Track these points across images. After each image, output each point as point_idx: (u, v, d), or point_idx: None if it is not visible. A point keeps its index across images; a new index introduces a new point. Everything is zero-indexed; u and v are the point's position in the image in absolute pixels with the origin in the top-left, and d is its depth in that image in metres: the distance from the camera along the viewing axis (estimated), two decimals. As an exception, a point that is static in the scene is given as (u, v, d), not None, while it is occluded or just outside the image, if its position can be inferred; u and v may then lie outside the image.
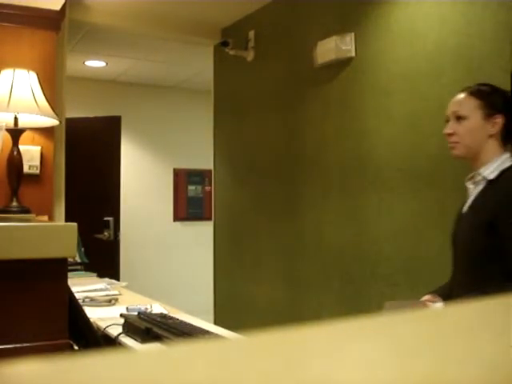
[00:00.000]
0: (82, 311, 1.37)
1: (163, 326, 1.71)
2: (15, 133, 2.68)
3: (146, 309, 2.14)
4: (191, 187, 6.30)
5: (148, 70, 5.53)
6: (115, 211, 5.16)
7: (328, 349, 0.28)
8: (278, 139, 3.68)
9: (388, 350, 0.28)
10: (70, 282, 1.15)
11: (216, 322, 3.93)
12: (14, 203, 2.66)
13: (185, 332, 1.65)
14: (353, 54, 3.03)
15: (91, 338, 1.35)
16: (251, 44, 3.93)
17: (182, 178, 6.24)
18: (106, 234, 5.07)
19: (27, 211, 2.67)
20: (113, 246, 5.12)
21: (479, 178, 1.76)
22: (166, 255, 6.04)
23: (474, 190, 1.79)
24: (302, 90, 3.46)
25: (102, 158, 5.19)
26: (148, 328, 1.68)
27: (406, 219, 2.70)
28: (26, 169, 2.78)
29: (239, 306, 4.08)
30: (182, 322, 1.82)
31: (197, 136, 6.03)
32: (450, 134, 1.81)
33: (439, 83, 2.55)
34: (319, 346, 0.29)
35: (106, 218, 5.10)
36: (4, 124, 2.00)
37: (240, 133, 4.12)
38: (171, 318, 1.87)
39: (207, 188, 6.17)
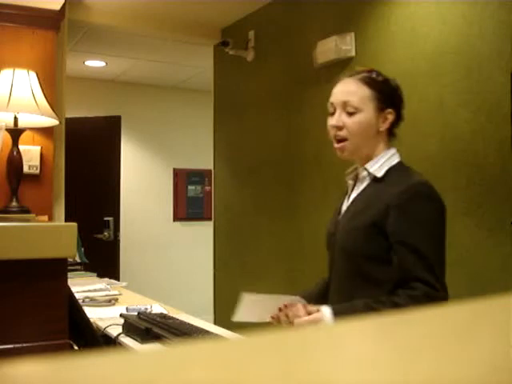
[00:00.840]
0: (82, 311, 1.37)
1: (163, 326, 1.71)
2: (15, 133, 2.68)
3: (146, 309, 2.14)
4: (191, 187, 6.30)
5: (148, 70, 5.53)
6: (115, 211, 5.17)
7: (328, 349, 0.28)
8: (277, 139, 3.68)
9: (388, 350, 0.28)
10: (69, 282, 1.15)
11: (216, 322, 3.93)
12: (14, 203, 2.66)
13: (185, 332, 1.65)
14: (353, 54, 3.03)
15: (91, 338, 1.35)
16: (251, 44, 3.93)
17: (182, 178, 6.24)
18: (105, 234, 5.07)
19: (27, 211, 2.67)
20: (113, 246, 5.13)
21: (364, 173, 1.56)
22: (165, 255, 6.03)
23: (355, 187, 1.60)
24: (301, 90, 3.46)
25: (102, 158, 5.19)
26: (148, 328, 1.68)
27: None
28: (25, 169, 2.78)
29: (239, 306, 4.07)
30: (181, 322, 1.82)
31: (197, 136, 6.03)
32: (339, 128, 1.54)
33: (439, 83, 2.54)
34: (319, 345, 0.29)
35: (105, 218, 5.11)
36: (4, 124, 2.00)
37: (240, 133, 4.12)
38: (171, 318, 1.87)
39: (207, 188, 6.17)
